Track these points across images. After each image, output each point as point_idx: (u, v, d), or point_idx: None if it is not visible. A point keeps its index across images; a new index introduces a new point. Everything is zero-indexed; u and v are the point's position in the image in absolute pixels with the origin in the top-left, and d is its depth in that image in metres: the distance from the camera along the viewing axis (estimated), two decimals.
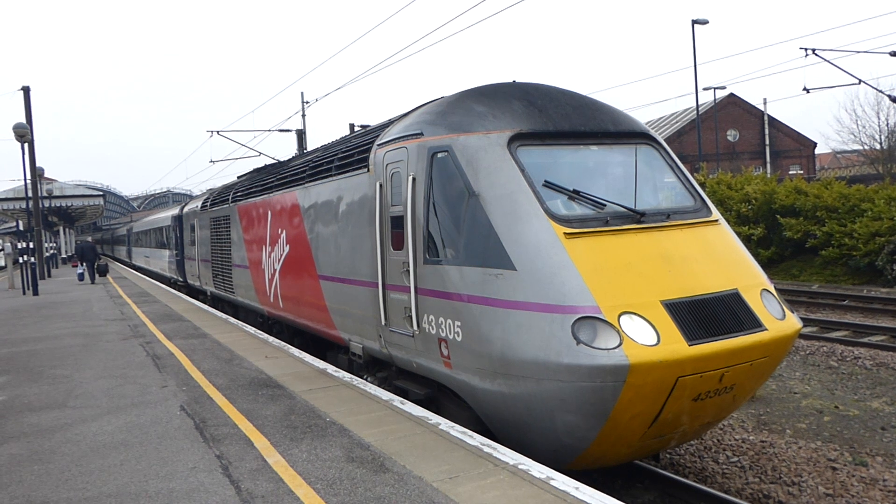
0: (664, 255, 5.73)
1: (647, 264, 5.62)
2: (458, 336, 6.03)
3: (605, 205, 5.99)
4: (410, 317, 6.72)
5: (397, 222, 7.07)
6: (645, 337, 5.13)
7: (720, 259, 5.99)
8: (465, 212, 6.13)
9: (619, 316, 5.20)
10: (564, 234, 5.63)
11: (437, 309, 6.35)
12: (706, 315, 5.41)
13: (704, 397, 5.49)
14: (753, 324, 5.56)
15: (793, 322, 5.93)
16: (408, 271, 6.74)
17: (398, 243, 7.05)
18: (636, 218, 5.94)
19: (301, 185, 10.28)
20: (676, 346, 5.13)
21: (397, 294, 7.08)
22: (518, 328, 5.46)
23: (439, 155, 6.52)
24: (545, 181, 6.03)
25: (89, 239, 63.58)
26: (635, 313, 5.23)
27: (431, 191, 6.53)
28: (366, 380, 8.08)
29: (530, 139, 6.27)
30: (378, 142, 7.78)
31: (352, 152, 8.60)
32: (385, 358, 7.71)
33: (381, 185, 7.42)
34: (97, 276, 27.89)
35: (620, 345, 5.05)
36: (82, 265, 27.89)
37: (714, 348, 5.26)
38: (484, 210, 5.96)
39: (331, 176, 9.08)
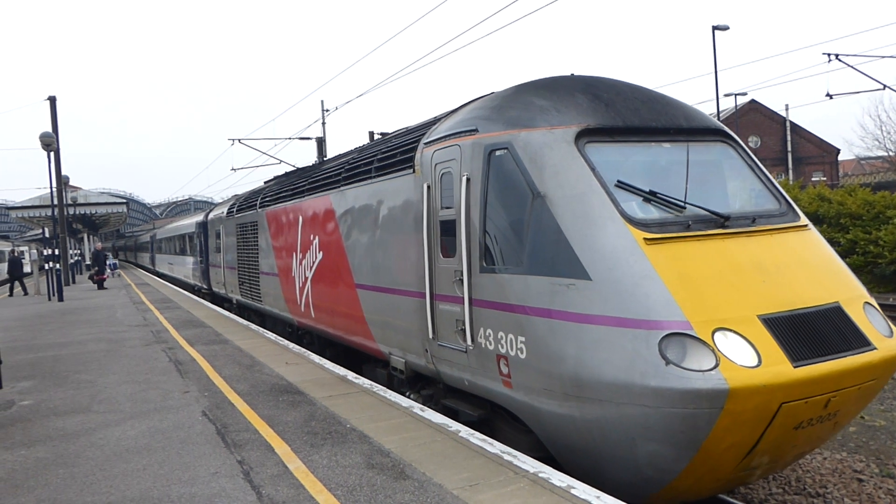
0: (756, 264, 5.18)
1: (739, 274, 5.07)
2: (522, 353, 5.54)
3: (685, 207, 5.49)
4: (463, 330, 6.28)
5: (448, 227, 6.62)
6: (744, 357, 4.60)
7: (816, 268, 5.44)
8: (528, 215, 5.64)
9: (713, 332, 4.66)
10: (644, 239, 5.12)
11: (495, 322, 5.86)
12: (809, 332, 4.86)
13: (806, 425, 4.92)
14: (861, 342, 4.99)
15: None
16: (461, 280, 6.29)
17: (449, 250, 6.60)
18: (720, 222, 5.43)
19: (336, 188, 9.86)
20: (781, 367, 4.59)
21: (447, 305, 6.63)
22: (595, 345, 4.93)
23: (497, 153, 6.04)
24: (618, 181, 5.51)
25: (109, 246, 66.20)
26: (731, 329, 4.69)
27: (488, 192, 6.06)
28: (408, 397, 7.62)
29: (598, 135, 5.78)
30: (424, 140, 7.31)
31: (394, 152, 8.11)
32: (431, 374, 7.23)
33: (428, 187, 6.98)
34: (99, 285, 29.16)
35: (717, 366, 4.52)
36: (105, 265, 30.25)
37: (822, 370, 4.70)
38: (551, 213, 5.46)
39: (370, 178, 8.64)
